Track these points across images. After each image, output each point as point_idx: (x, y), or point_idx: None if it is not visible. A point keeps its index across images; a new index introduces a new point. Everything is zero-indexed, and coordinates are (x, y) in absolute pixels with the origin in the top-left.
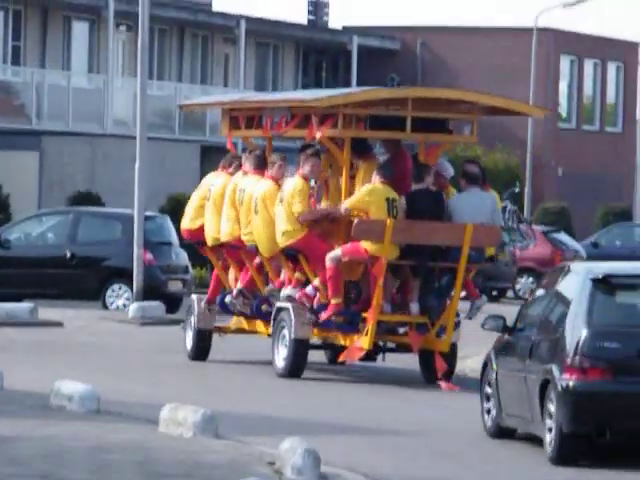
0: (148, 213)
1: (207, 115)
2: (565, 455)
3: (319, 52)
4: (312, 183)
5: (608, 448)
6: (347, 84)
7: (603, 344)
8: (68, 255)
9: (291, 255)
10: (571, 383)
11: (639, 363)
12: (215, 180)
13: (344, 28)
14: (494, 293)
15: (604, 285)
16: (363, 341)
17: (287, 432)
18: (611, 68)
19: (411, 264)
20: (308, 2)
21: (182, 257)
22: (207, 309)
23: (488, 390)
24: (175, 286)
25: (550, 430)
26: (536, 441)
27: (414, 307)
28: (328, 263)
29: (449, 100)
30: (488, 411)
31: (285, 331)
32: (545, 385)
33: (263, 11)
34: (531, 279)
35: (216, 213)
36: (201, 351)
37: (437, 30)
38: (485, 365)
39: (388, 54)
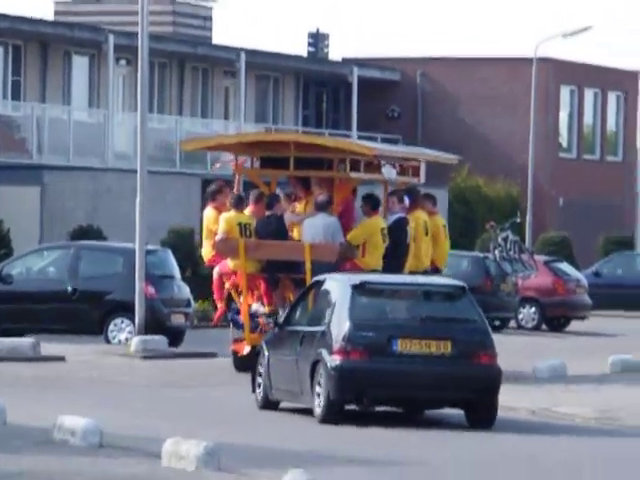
0: (149, 247)
1: None
2: (332, 417)
3: (319, 84)
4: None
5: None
6: (348, 116)
7: (361, 333)
8: (70, 289)
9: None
10: (337, 362)
11: (388, 347)
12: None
13: (344, 60)
14: (496, 323)
15: (361, 289)
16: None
17: (289, 464)
18: (611, 97)
19: (285, 276)
20: (308, 34)
21: (184, 290)
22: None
23: (260, 371)
24: (177, 319)
25: (319, 399)
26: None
27: None
28: (214, 275)
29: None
30: (259, 386)
31: None
32: (315, 365)
33: (263, 44)
34: (533, 309)
35: None
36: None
37: (437, 61)
38: (258, 353)
39: (388, 85)
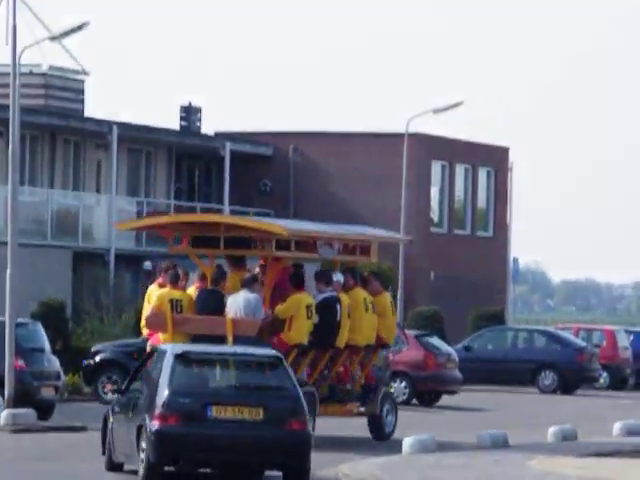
0: (20, 319)
1: (80, 221)
2: (152, 478)
3: (192, 158)
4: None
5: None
6: (220, 189)
7: (179, 399)
8: None
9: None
10: (156, 427)
11: (203, 413)
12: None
13: (216, 134)
14: None
15: (182, 359)
16: None
17: None
18: (482, 173)
19: None
20: (180, 107)
21: (54, 363)
22: None
23: (107, 434)
24: (47, 392)
25: (142, 461)
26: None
27: None
28: (147, 348)
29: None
30: (107, 452)
31: None
32: (140, 429)
33: (135, 117)
34: (404, 383)
35: None
36: None
37: (309, 135)
38: (105, 418)
39: (261, 159)
